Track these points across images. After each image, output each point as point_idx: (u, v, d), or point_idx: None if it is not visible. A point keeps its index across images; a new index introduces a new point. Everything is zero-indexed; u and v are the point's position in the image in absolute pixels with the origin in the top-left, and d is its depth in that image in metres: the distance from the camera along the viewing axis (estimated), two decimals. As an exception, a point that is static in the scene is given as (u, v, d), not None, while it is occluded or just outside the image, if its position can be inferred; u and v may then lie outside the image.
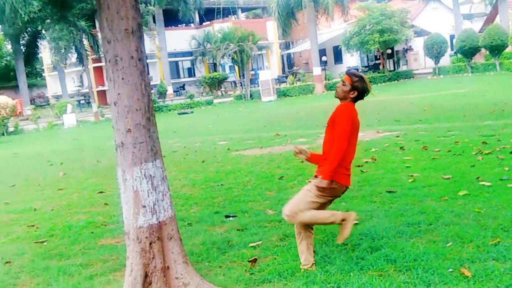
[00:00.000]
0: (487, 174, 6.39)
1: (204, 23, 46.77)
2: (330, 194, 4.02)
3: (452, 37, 37.57)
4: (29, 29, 27.80)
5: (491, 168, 6.77)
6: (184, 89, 43.50)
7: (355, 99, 4.09)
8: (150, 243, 3.72)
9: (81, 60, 31.53)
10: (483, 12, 44.20)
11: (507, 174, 6.29)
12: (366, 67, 40.95)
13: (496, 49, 30.58)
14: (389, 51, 37.27)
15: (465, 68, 33.13)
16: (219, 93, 40.01)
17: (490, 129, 10.24)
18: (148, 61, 36.11)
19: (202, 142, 13.84)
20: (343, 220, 3.93)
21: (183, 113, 29.97)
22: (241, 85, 38.13)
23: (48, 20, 21.66)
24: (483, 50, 32.55)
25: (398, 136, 10.64)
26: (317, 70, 35.08)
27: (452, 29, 38.20)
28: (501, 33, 30.25)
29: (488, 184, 5.89)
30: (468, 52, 31.97)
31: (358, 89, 4.04)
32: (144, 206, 3.73)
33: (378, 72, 37.27)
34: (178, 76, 45.22)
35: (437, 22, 38.85)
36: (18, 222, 6.56)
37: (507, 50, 31.58)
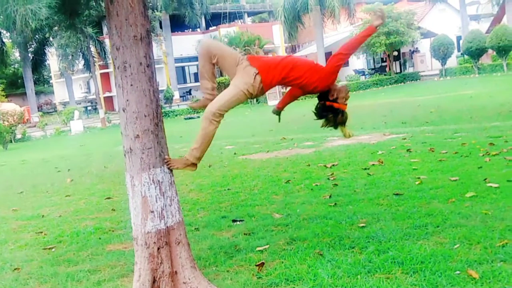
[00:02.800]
0: (495, 176, 6.37)
1: (210, 28, 46.94)
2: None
3: (459, 38, 37.52)
4: (37, 36, 28.02)
5: (499, 169, 6.75)
6: (190, 94, 43.65)
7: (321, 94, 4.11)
8: (158, 248, 3.75)
9: (88, 66, 31.71)
10: (490, 12, 44.08)
11: (514, 175, 6.27)
12: (372, 69, 40.96)
13: (503, 50, 30.48)
14: (395, 53, 37.25)
15: (472, 69, 33.04)
16: (226, 97, 40.03)
17: (497, 130, 10.20)
18: (155, 66, 36.13)
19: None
20: None
21: (190, 118, 30.08)
22: (247, 90, 38.16)
23: (56, 28, 21.82)
24: (490, 51, 32.45)
25: (404, 139, 10.62)
26: (323, 73, 35.04)
27: (458, 30, 38.15)
28: (508, 33, 30.14)
29: (496, 185, 5.87)
30: (475, 53, 31.90)
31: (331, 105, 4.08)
32: (152, 212, 3.75)
33: (385, 75, 37.24)
34: (185, 81, 45.38)
35: (444, 23, 38.82)
36: (26, 229, 6.59)
37: (514, 50, 31.48)
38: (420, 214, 5.14)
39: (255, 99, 34.60)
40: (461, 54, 35.87)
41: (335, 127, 4.25)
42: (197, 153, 3.96)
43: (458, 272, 3.64)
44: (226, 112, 4.02)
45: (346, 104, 4.14)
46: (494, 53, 32.40)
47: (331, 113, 4.12)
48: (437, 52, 33.72)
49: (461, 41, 34.86)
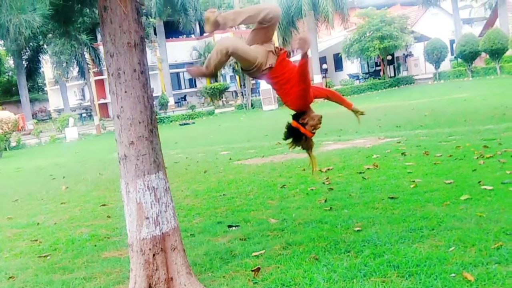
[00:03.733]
0: (489, 178, 6.39)
1: (204, 34, 46.94)
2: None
3: (452, 42, 37.71)
4: (31, 44, 27.96)
5: (493, 172, 6.77)
6: (185, 100, 43.71)
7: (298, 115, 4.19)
8: (154, 255, 3.74)
9: (82, 73, 31.68)
10: (483, 16, 44.40)
11: (508, 177, 6.30)
12: (366, 73, 41.09)
13: (496, 53, 30.64)
14: (389, 57, 37.37)
15: (465, 72, 33.18)
16: (220, 103, 40.14)
17: (491, 133, 10.24)
18: (149, 72, 36.23)
19: (204, 152, 13.87)
20: None
21: (185, 124, 30.04)
22: (242, 95, 38.21)
23: (50, 35, 21.83)
24: (483, 54, 32.61)
25: (399, 142, 10.65)
26: (317, 78, 35.14)
27: (452, 34, 38.35)
28: (501, 36, 30.32)
29: (490, 188, 5.89)
30: (468, 56, 32.04)
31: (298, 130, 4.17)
32: (148, 218, 3.75)
33: (379, 79, 37.35)
34: (179, 87, 45.40)
35: (437, 27, 39.01)
36: (21, 237, 6.57)
37: (507, 53, 31.61)
38: (415, 217, 5.15)
39: (250, 105, 34.66)
40: (455, 57, 36.02)
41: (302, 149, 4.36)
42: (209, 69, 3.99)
43: (453, 274, 3.65)
44: (231, 54, 3.92)
45: (313, 133, 4.18)
46: (487, 56, 32.57)
47: (296, 135, 4.16)
48: (431, 55, 33.87)
49: (454, 45, 35.03)
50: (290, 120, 4.26)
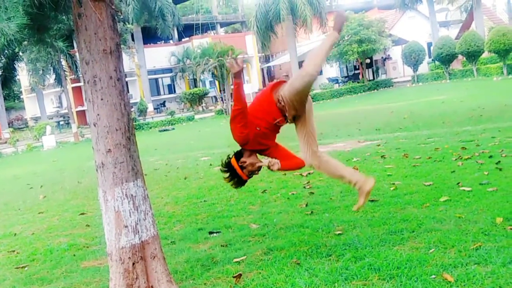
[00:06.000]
0: (467, 179, 6.46)
1: (183, 39, 46.93)
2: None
3: (429, 44, 38.20)
4: (6, 52, 27.55)
5: (471, 173, 6.84)
6: (164, 106, 43.51)
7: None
8: (133, 263, 3.70)
9: (59, 80, 31.28)
10: (459, 19, 45.10)
11: (486, 178, 6.36)
12: (345, 77, 41.43)
13: (472, 55, 31.12)
14: (368, 60, 37.73)
15: (443, 75, 33.63)
16: (200, 108, 40.03)
17: (469, 134, 10.36)
18: (127, 79, 36.13)
19: (184, 158, 13.79)
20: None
21: (164, 130, 29.87)
22: (222, 100, 38.20)
23: (25, 42, 21.52)
24: (460, 56, 33.09)
25: (379, 145, 10.71)
26: (297, 82, 35.22)
27: (429, 37, 38.86)
28: (477, 39, 30.82)
29: (468, 189, 5.95)
30: (446, 59, 32.50)
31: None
32: (126, 226, 3.71)
33: (358, 82, 37.66)
34: (158, 93, 45.18)
35: (414, 30, 39.51)
36: (-2, 248, 6.45)
37: (483, 55, 32.14)
38: (396, 219, 5.17)
39: (230, 110, 34.59)
40: (432, 60, 36.50)
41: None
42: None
43: (433, 276, 3.67)
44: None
45: (249, 177, 4.16)
46: (464, 58, 33.05)
47: (231, 172, 4.12)
48: (409, 58, 34.26)
49: (431, 48, 35.48)
50: (232, 155, 4.17)
